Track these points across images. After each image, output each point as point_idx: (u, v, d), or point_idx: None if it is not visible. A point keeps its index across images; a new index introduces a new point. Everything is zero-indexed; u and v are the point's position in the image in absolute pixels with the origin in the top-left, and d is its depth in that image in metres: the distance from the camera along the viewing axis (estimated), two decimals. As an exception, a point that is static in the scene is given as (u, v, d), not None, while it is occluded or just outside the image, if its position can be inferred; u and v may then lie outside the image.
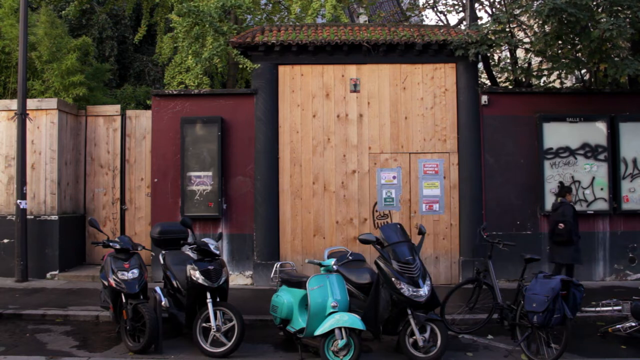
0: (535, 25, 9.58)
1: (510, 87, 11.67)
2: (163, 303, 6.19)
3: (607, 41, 8.17)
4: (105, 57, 13.77)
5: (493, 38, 9.38)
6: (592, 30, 8.47)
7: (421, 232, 6.38)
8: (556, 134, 9.57)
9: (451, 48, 9.46)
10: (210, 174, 9.49)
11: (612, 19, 7.93)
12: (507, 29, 10.02)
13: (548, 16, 7.99)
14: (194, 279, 6.04)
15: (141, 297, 6.23)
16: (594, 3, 8.38)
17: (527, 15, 9.26)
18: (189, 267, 6.16)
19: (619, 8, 8.17)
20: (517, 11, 9.40)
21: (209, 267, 6.07)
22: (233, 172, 9.64)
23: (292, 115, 9.75)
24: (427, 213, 9.62)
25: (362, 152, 9.69)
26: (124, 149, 10.59)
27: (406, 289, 5.65)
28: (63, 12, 12.43)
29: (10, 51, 11.22)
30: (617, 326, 6.44)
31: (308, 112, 9.75)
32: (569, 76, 11.35)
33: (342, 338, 5.38)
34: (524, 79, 11.18)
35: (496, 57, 12.57)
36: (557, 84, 11.69)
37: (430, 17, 39.47)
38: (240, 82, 13.34)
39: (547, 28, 8.67)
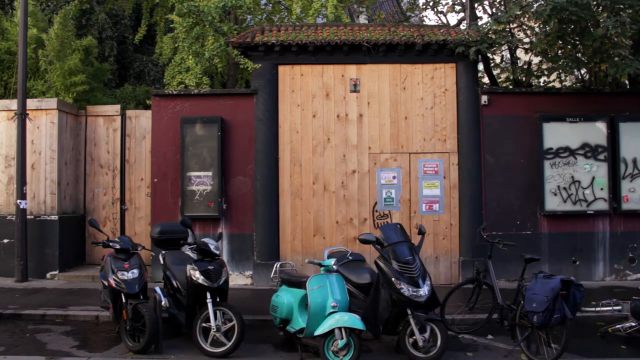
0: (537, 26, 9.57)
1: (510, 87, 11.67)
2: (163, 303, 6.19)
3: (610, 39, 8.16)
4: (105, 57, 13.77)
5: (493, 37, 9.38)
6: (592, 30, 8.46)
7: (421, 232, 6.38)
8: (556, 134, 9.56)
9: (451, 47, 9.46)
10: (210, 174, 9.49)
11: (613, 17, 7.92)
12: (507, 29, 10.02)
13: (549, 16, 7.98)
14: (194, 279, 6.04)
15: (141, 297, 6.23)
16: (594, 2, 8.38)
17: (528, 16, 9.26)
18: (189, 267, 6.16)
19: (621, 6, 8.16)
20: (518, 12, 9.40)
21: (209, 267, 6.07)
22: (233, 172, 9.64)
23: (292, 115, 9.75)
24: (427, 213, 9.61)
25: (362, 152, 9.69)
26: (124, 149, 10.59)
27: (406, 289, 5.66)
28: (63, 10, 12.41)
29: (16, 52, 11.23)
30: (617, 326, 6.43)
31: (308, 112, 9.75)
32: (569, 76, 11.34)
33: (342, 338, 5.38)
34: (524, 79, 11.18)
35: (497, 58, 12.57)
36: (557, 84, 11.69)
37: (430, 18, 39.48)
38: (240, 82, 13.34)
39: (548, 28, 8.66)
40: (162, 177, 9.65)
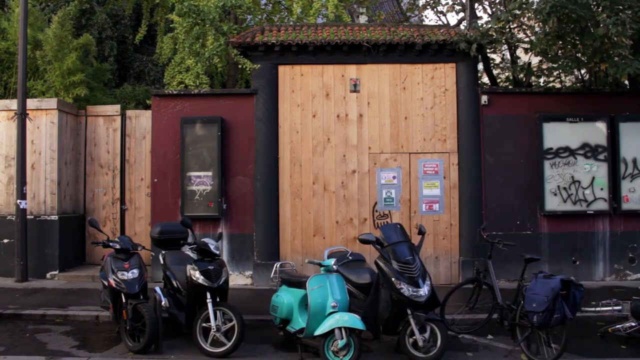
0: (536, 25, 9.57)
1: (510, 87, 11.67)
2: (163, 303, 6.19)
3: (610, 39, 8.15)
4: (105, 57, 13.77)
5: (494, 35, 9.37)
6: (592, 30, 8.45)
7: (421, 232, 6.38)
8: (556, 134, 9.56)
9: (452, 47, 9.44)
10: (210, 174, 9.49)
11: (614, 16, 7.91)
12: (507, 28, 10.01)
13: (549, 14, 7.96)
14: (194, 279, 6.04)
15: (141, 297, 6.23)
16: (594, 3, 8.38)
17: (528, 15, 9.25)
18: (189, 267, 6.16)
19: (620, 7, 8.16)
20: (518, 11, 9.41)
21: (209, 267, 6.07)
22: (233, 172, 9.64)
23: (292, 115, 9.75)
24: (427, 213, 9.61)
25: (362, 152, 9.69)
26: (124, 149, 10.59)
27: (406, 289, 5.66)
28: (61, 10, 12.40)
29: (15, 52, 11.24)
30: (617, 326, 6.44)
31: (308, 112, 9.75)
32: (569, 76, 11.34)
33: (342, 338, 5.38)
34: (524, 78, 11.18)
35: (497, 58, 12.56)
36: (557, 84, 11.68)
37: (430, 18, 39.49)
38: (240, 82, 13.34)
39: (547, 28, 8.65)
40: (162, 177, 9.65)
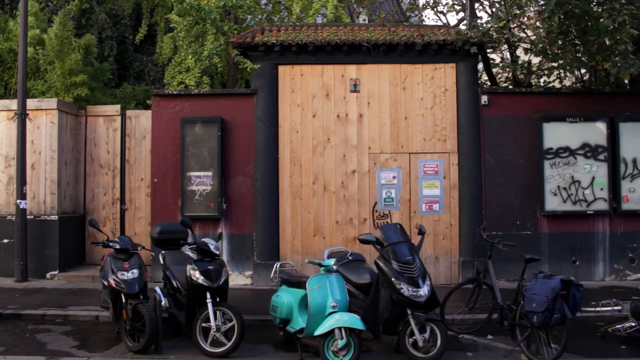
0: (538, 22, 9.53)
1: (510, 87, 11.67)
2: (163, 303, 6.19)
3: (612, 35, 8.12)
4: (105, 57, 13.76)
5: (494, 34, 9.35)
6: (595, 26, 8.39)
7: (421, 232, 6.39)
8: (556, 134, 9.56)
9: (451, 47, 9.44)
10: (210, 174, 9.49)
11: (617, 14, 7.88)
12: (508, 28, 10.01)
13: (553, 11, 7.88)
14: (194, 279, 6.04)
15: (141, 297, 6.23)
16: (594, 2, 8.36)
17: (529, 14, 9.20)
18: (188, 267, 6.16)
19: (623, 2, 8.13)
20: (518, 11, 9.38)
21: (209, 267, 6.07)
22: (233, 172, 9.64)
23: (292, 115, 9.75)
24: (427, 213, 9.61)
25: (362, 152, 9.69)
26: (124, 149, 10.59)
27: (406, 289, 5.66)
28: (62, 10, 12.40)
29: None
30: (617, 326, 6.43)
31: (308, 112, 9.75)
32: (569, 75, 11.33)
33: (342, 338, 5.38)
34: (524, 78, 11.18)
35: (497, 59, 12.55)
36: (557, 84, 11.68)
37: (430, 18, 39.47)
38: (240, 82, 13.33)
39: (552, 24, 8.57)
40: (162, 177, 9.66)
